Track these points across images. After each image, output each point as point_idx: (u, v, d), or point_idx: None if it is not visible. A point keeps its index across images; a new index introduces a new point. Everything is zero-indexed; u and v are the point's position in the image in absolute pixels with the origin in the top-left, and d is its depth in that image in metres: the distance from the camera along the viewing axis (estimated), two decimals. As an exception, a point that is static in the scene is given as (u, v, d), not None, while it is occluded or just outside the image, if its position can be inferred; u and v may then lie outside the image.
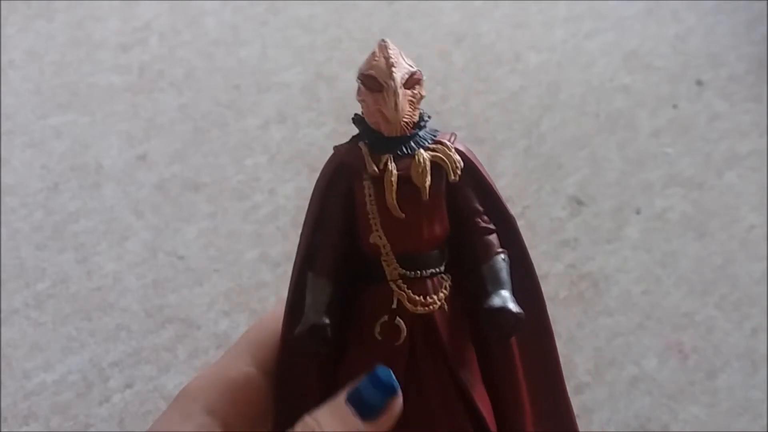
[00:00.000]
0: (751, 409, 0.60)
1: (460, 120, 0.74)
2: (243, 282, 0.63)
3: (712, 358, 0.62)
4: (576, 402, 0.59)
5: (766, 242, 0.68)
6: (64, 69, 0.76)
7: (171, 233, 0.66)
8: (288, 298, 0.35)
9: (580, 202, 0.69)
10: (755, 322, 0.64)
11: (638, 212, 0.69)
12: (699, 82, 0.79)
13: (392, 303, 0.33)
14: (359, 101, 0.34)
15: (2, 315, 0.61)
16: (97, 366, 0.59)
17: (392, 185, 0.32)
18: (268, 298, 0.63)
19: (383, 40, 0.33)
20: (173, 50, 0.77)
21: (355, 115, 0.34)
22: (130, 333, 0.61)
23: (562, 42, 0.81)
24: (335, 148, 0.34)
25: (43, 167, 0.69)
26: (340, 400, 0.31)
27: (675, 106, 0.77)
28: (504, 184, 0.69)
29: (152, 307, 0.62)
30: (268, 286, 0.63)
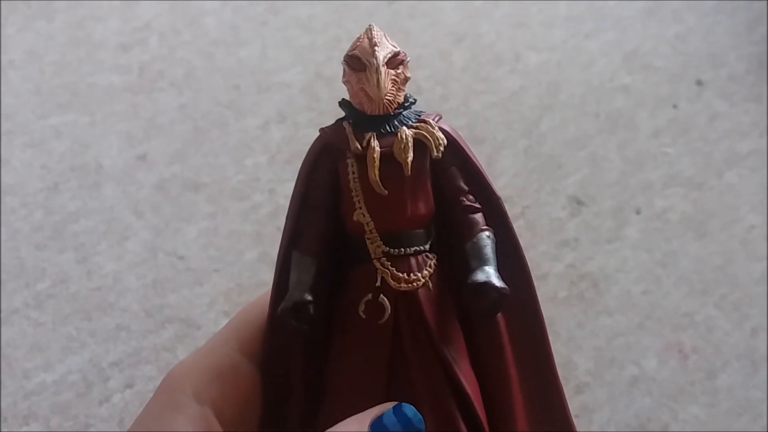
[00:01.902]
0: (751, 409, 0.60)
1: (460, 120, 0.74)
2: (243, 282, 0.63)
3: (712, 358, 0.62)
4: (576, 402, 0.59)
5: (766, 242, 0.68)
6: (64, 69, 0.76)
7: (171, 233, 0.66)
8: (274, 278, 0.35)
9: (580, 202, 0.69)
10: (755, 322, 0.64)
11: (638, 212, 0.69)
12: (699, 82, 0.79)
13: (376, 281, 0.33)
14: (344, 83, 0.34)
15: (2, 315, 0.61)
16: (97, 366, 0.59)
17: (375, 161, 0.32)
18: (268, 298, 0.63)
19: (370, 25, 0.34)
20: (173, 50, 0.77)
21: (342, 99, 0.35)
22: (130, 333, 0.61)
23: (562, 42, 0.81)
24: (321, 130, 0.34)
25: (43, 167, 0.69)
26: (363, 427, 0.31)
27: (675, 106, 0.77)
28: (504, 184, 0.69)
29: (152, 307, 0.62)
30: (268, 286, 0.63)
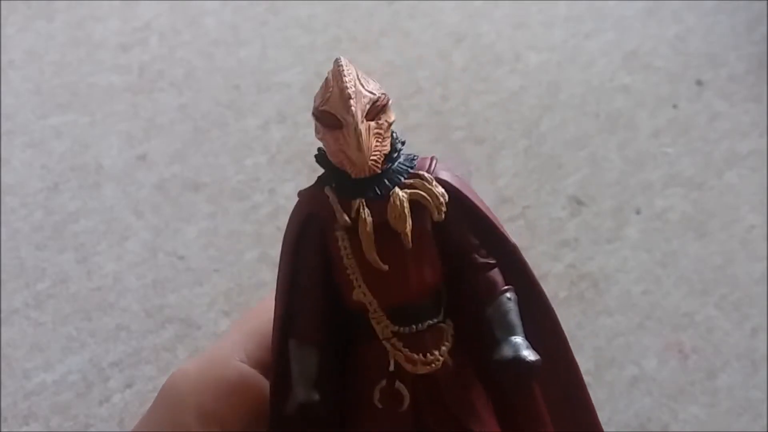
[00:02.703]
0: (751, 409, 0.60)
1: (460, 120, 0.74)
2: (243, 282, 0.63)
3: (712, 358, 0.62)
4: (576, 402, 0.59)
5: (766, 242, 0.68)
6: (64, 69, 0.76)
7: (171, 233, 0.66)
8: (272, 364, 0.31)
9: (580, 202, 0.69)
10: (755, 322, 0.64)
11: (638, 212, 0.69)
12: (699, 82, 0.79)
13: (389, 365, 0.29)
14: (319, 139, 0.29)
15: (2, 315, 0.61)
16: (97, 366, 0.59)
17: (369, 236, 0.28)
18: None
19: (337, 62, 0.28)
20: (173, 50, 0.77)
21: (318, 150, 0.30)
22: (130, 333, 0.61)
23: (562, 42, 0.81)
24: (299, 194, 0.30)
25: (43, 167, 0.69)
26: None
27: (675, 106, 0.77)
28: (504, 184, 0.69)
29: (152, 307, 0.62)
30: (268, 286, 0.63)
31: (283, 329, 0.30)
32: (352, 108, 0.27)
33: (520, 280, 0.31)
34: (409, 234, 0.28)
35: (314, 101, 0.29)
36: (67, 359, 0.59)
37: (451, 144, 0.71)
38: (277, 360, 0.30)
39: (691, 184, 0.71)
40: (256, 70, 0.77)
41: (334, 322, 0.30)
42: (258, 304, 0.35)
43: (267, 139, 0.72)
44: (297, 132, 0.72)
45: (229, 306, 0.62)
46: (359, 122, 0.27)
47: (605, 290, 0.64)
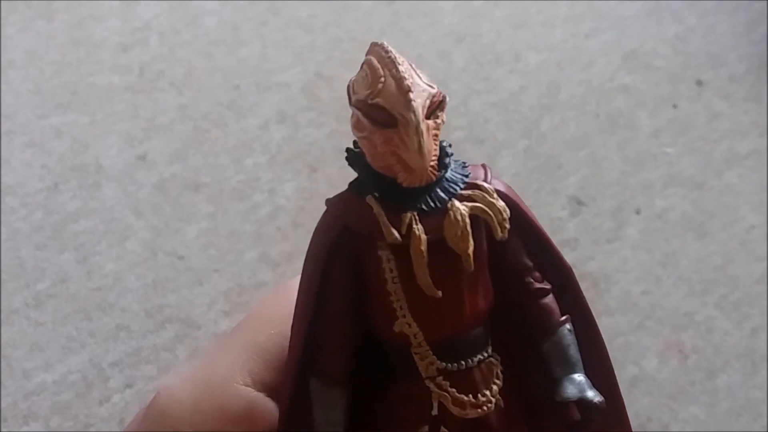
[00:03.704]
0: (751, 409, 0.60)
1: (460, 120, 0.74)
2: (243, 282, 0.63)
3: (712, 358, 0.62)
4: (576, 402, 0.59)
5: (766, 242, 0.68)
6: (64, 69, 0.76)
7: (171, 233, 0.66)
8: (283, 409, 0.26)
9: (580, 202, 0.69)
10: (755, 322, 0.64)
11: (638, 212, 0.69)
12: (699, 82, 0.79)
13: (432, 408, 0.25)
14: (359, 138, 0.24)
15: (2, 315, 0.61)
16: (97, 366, 0.59)
17: (423, 257, 0.24)
18: (268, 298, 0.63)
19: (382, 47, 0.24)
20: (173, 50, 0.77)
21: (348, 149, 0.26)
22: (130, 333, 0.61)
23: (562, 42, 0.81)
24: (328, 203, 0.25)
25: (43, 167, 0.69)
26: None
27: (675, 106, 0.77)
28: (504, 184, 0.69)
29: (152, 307, 0.62)
30: (268, 286, 0.63)
31: (303, 367, 0.25)
32: (413, 103, 0.23)
33: (574, 309, 0.27)
34: (472, 255, 0.24)
35: (352, 90, 0.24)
36: (67, 359, 0.59)
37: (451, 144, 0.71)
38: (289, 402, 0.26)
39: (691, 184, 0.71)
40: (256, 70, 0.77)
41: (363, 358, 0.26)
42: (254, 311, 0.30)
43: (267, 139, 0.72)
44: (297, 132, 0.72)
45: (229, 306, 0.62)
46: (421, 121, 0.23)
47: (605, 290, 0.64)
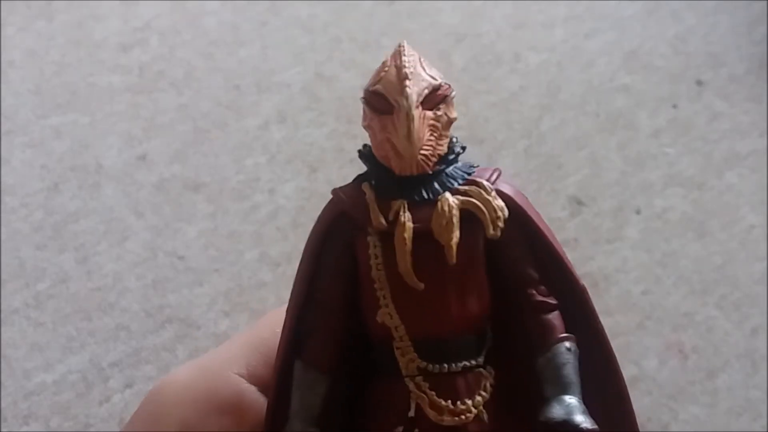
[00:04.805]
0: (751, 409, 0.60)
1: (460, 120, 0.73)
2: (243, 282, 0.63)
3: (712, 358, 0.62)
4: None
5: (766, 242, 0.68)
6: (64, 69, 0.76)
7: (171, 233, 0.66)
8: (272, 384, 0.26)
9: (580, 202, 0.69)
10: (755, 322, 0.64)
11: (638, 212, 0.69)
12: (699, 82, 0.79)
13: (409, 408, 0.24)
14: (365, 128, 0.25)
15: (2, 315, 0.61)
16: (97, 366, 0.59)
17: (406, 244, 0.23)
18: (268, 298, 0.63)
19: (400, 45, 0.24)
20: (173, 50, 0.77)
21: (363, 147, 0.26)
22: (130, 333, 0.61)
23: (562, 42, 0.81)
24: (334, 192, 0.25)
25: (43, 167, 0.69)
26: None
27: (675, 106, 0.77)
28: (504, 184, 0.69)
29: (152, 307, 0.62)
30: (268, 286, 0.63)
31: (291, 346, 0.25)
32: (407, 89, 0.23)
33: (585, 331, 0.26)
34: (455, 247, 0.23)
35: (367, 84, 0.25)
36: (67, 359, 0.59)
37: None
38: (278, 381, 0.25)
39: (691, 184, 0.71)
40: (256, 70, 0.77)
41: (353, 349, 0.25)
42: (270, 313, 0.31)
43: (267, 139, 0.72)
44: (297, 132, 0.72)
45: (229, 306, 0.62)
46: (413, 106, 0.23)
47: (605, 290, 0.64)
